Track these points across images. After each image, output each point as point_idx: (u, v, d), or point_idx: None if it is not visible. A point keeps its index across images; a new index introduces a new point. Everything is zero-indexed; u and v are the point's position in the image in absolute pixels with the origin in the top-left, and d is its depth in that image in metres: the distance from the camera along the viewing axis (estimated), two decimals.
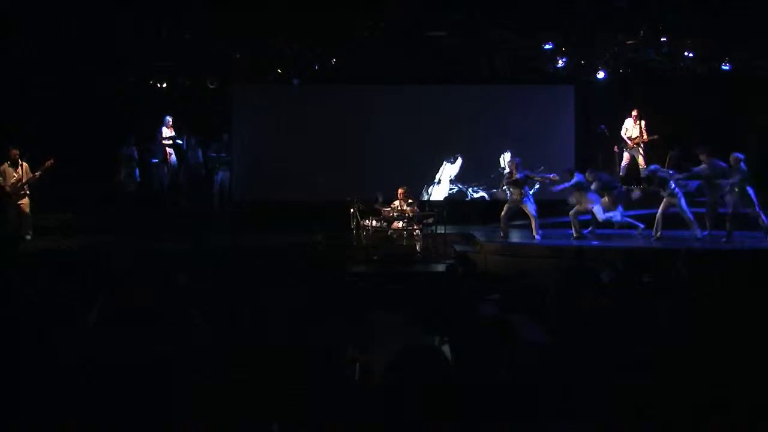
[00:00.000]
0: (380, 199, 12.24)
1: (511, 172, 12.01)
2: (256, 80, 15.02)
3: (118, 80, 14.54)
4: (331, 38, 13.84)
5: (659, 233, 11.42)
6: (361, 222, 11.98)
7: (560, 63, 14.17)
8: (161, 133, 14.96)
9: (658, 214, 11.49)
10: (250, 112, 15.32)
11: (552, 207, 12.97)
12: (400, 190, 12.24)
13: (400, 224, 11.95)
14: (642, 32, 13.21)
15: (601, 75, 14.50)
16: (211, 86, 14.60)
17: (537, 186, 12.98)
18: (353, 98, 15.28)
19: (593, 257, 9.32)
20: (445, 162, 15.12)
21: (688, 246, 10.68)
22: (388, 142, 14.88)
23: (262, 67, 14.49)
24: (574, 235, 11.79)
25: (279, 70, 14.58)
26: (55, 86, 14.27)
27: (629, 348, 4.15)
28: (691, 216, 11.40)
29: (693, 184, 11.69)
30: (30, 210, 11.96)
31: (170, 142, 15.01)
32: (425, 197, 14.89)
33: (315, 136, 14.97)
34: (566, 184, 11.70)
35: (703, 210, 11.78)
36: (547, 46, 13.83)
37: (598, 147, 15.08)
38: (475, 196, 15.10)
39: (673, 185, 11.37)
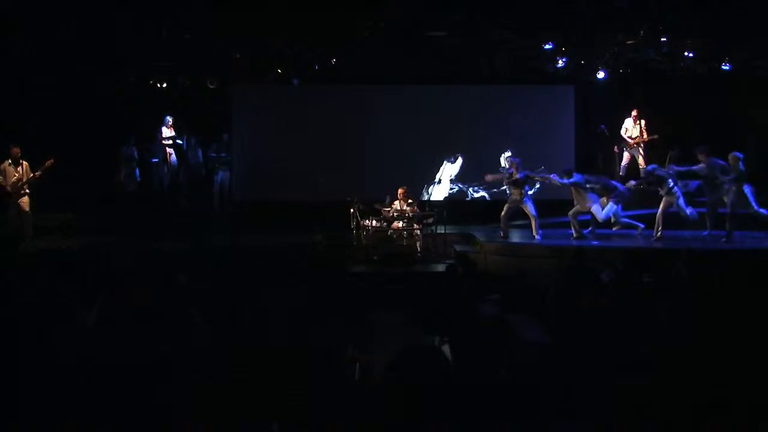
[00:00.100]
0: (388, 200, 12.19)
1: (511, 173, 12.00)
2: (256, 80, 15.02)
3: (118, 80, 14.53)
4: (331, 38, 13.84)
5: (659, 233, 11.42)
6: (361, 222, 11.98)
7: (560, 63, 14.17)
8: (161, 133, 14.95)
9: (658, 214, 11.49)
10: (250, 112, 15.31)
11: (552, 207, 12.97)
12: (400, 190, 12.24)
13: (400, 224, 11.95)
14: (642, 32, 13.21)
15: (601, 75, 14.50)
16: (211, 86, 14.59)
17: (537, 185, 12.97)
18: (353, 98, 15.28)
19: (593, 257, 9.31)
20: (445, 162, 15.12)
21: (688, 246, 10.68)
22: (388, 142, 14.88)
23: (262, 67, 14.49)
24: (574, 235, 11.79)
25: (279, 70, 14.58)
26: (56, 86, 14.27)
27: (629, 348, 4.15)
28: (688, 212, 11.40)
29: (693, 184, 11.69)
30: (30, 209, 11.95)
31: (170, 142, 15.01)
32: (425, 197, 14.88)
33: (315, 136, 14.96)
34: (566, 181, 11.69)
35: (703, 210, 11.79)
36: (547, 46, 13.83)
37: (598, 147, 15.09)
38: (476, 195, 15.09)
39: (671, 183, 11.37)
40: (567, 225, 12.11)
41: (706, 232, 11.61)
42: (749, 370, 3.70)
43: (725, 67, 13.98)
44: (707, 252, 10.49)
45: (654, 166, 11.85)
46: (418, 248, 11.91)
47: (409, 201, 12.21)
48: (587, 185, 11.77)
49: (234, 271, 7.30)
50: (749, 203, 11.23)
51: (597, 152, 15.12)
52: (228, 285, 6.51)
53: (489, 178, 12.79)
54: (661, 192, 11.47)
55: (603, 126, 14.83)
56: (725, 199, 11.25)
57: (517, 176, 11.83)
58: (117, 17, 12.70)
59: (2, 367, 3.72)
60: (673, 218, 11.60)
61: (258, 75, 14.73)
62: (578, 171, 12.22)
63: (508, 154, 12.67)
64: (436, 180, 15.15)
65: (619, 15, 12.84)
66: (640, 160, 14.45)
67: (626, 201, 12.17)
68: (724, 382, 3.55)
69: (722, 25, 12.89)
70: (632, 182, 12.23)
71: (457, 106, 15.05)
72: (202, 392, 3.47)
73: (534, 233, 11.82)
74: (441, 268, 10.62)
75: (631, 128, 14.51)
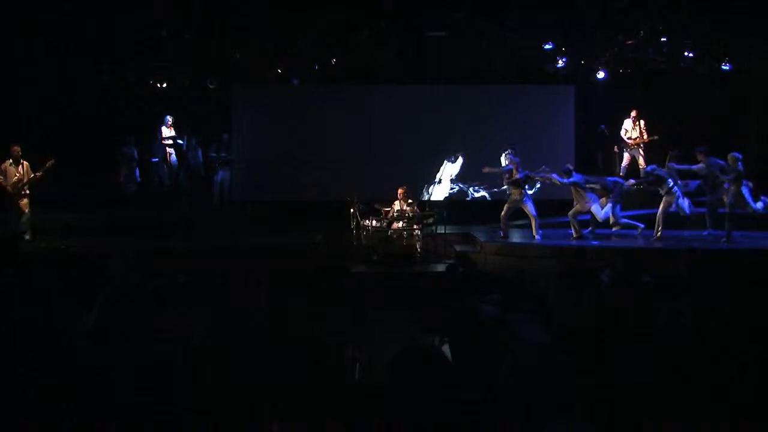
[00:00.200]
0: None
1: (510, 170, 12.00)
2: (256, 80, 15.02)
3: (118, 80, 14.53)
4: (331, 38, 13.84)
5: (659, 233, 11.42)
6: (361, 222, 11.98)
7: (560, 63, 14.17)
8: (161, 132, 14.96)
9: (658, 214, 11.49)
10: (250, 112, 15.30)
11: (552, 207, 12.96)
12: (400, 190, 12.24)
13: (400, 224, 11.95)
14: (642, 32, 13.21)
15: (601, 75, 14.50)
16: (211, 86, 14.59)
17: (538, 185, 12.97)
18: (353, 98, 15.27)
19: (593, 257, 9.30)
20: (445, 161, 15.11)
21: (688, 246, 10.68)
22: (388, 142, 14.88)
23: (262, 67, 14.49)
24: (574, 235, 11.78)
25: (279, 70, 14.58)
26: (56, 86, 14.27)
27: (629, 348, 4.15)
28: (689, 212, 11.40)
29: (693, 184, 11.69)
30: (29, 210, 11.94)
31: (170, 141, 15.01)
32: (426, 197, 14.88)
33: (315, 136, 14.96)
34: (566, 180, 11.68)
35: (703, 210, 11.79)
36: (547, 46, 13.83)
37: (598, 147, 15.09)
38: (476, 195, 15.09)
39: (671, 183, 11.37)
40: (567, 225, 12.11)
41: (706, 232, 11.61)
42: (749, 370, 3.70)
43: (725, 67, 13.97)
44: (707, 252, 10.49)
45: (653, 166, 11.86)
46: (418, 248, 11.91)
47: (409, 201, 12.21)
48: (587, 185, 11.77)
49: (233, 271, 7.29)
50: (747, 203, 11.24)
51: (597, 152, 15.12)
52: (227, 285, 6.51)
53: (486, 170, 12.80)
54: (662, 192, 11.47)
55: (603, 126, 14.83)
56: (725, 198, 11.25)
57: (517, 176, 11.83)
58: (117, 17, 12.69)
59: (2, 367, 3.72)
60: (673, 218, 11.60)
61: (258, 75, 14.73)
62: (578, 171, 12.21)
63: (508, 152, 12.66)
64: (437, 180, 15.14)
65: (619, 15, 12.84)
66: (641, 161, 14.45)
67: (624, 196, 12.17)
68: (724, 382, 3.55)
69: (722, 25, 12.89)
70: (632, 181, 12.23)
71: (457, 106, 15.04)
72: (202, 392, 3.47)
73: (534, 233, 11.82)
74: (441, 268, 10.62)
75: (630, 129, 14.51)
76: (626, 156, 14.63)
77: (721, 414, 3.33)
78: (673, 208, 11.42)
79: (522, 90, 15.28)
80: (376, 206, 12.15)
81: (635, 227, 11.78)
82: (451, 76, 14.93)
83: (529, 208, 11.83)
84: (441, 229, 12.34)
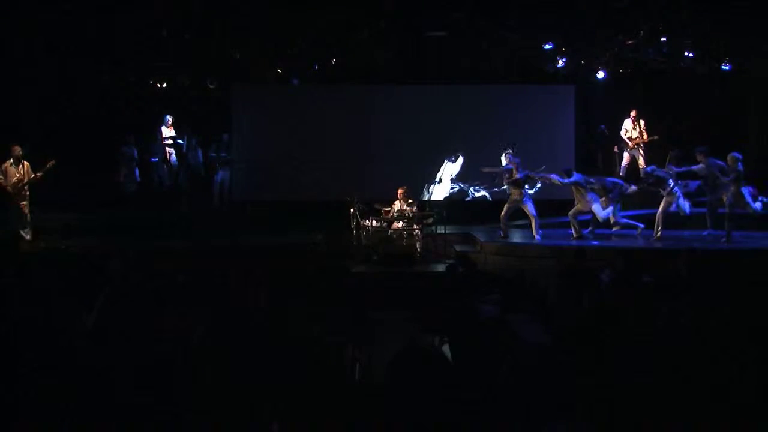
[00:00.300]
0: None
1: (510, 169, 12.00)
2: (256, 80, 15.02)
3: (118, 80, 14.53)
4: (331, 38, 13.84)
5: (659, 233, 11.42)
6: (361, 222, 11.98)
7: (560, 63, 14.17)
8: (161, 132, 14.96)
9: (658, 214, 11.49)
10: (250, 112, 15.30)
11: (552, 207, 12.96)
12: (400, 190, 12.24)
13: (400, 224, 11.94)
14: (642, 32, 13.20)
15: (601, 75, 14.50)
16: (211, 86, 14.59)
17: (538, 185, 12.97)
18: (353, 98, 15.27)
19: (593, 257, 9.30)
20: (446, 161, 15.12)
21: (688, 246, 10.68)
22: (388, 142, 14.88)
23: (262, 67, 14.49)
24: (574, 235, 11.79)
25: (279, 70, 14.58)
26: (56, 86, 14.27)
27: (628, 348, 4.15)
28: (689, 212, 11.40)
29: (693, 184, 11.69)
30: (29, 210, 11.94)
31: (170, 141, 15.01)
32: (426, 196, 14.89)
33: (315, 136, 14.96)
34: (566, 180, 11.68)
35: (703, 210, 11.79)
36: (547, 46, 13.83)
37: (598, 147, 15.09)
38: (477, 195, 15.09)
39: (671, 184, 11.37)
40: (567, 225, 12.11)
41: (706, 232, 11.61)
42: (749, 370, 3.70)
43: (725, 67, 13.97)
44: (707, 252, 10.50)
45: (653, 167, 11.85)
46: (418, 248, 11.91)
47: (409, 201, 12.21)
48: (587, 185, 11.77)
49: (233, 271, 7.29)
50: (747, 203, 11.24)
51: (597, 152, 15.12)
52: (227, 285, 6.51)
53: (486, 169, 12.81)
54: (662, 192, 11.46)
55: (603, 126, 14.83)
56: (725, 198, 11.26)
57: (517, 176, 11.83)
58: (117, 17, 12.69)
59: (2, 367, 3.72)
60: (673, 218, 11.60)
61: (258, 75, 14.73)
62: (578, 171, 12.22)
63: (508, 152, 12.65)
64: (437, 179, 15.15)
65: (619, 15, 12.83)
66: (641, 161, 14.45)
67: (624, 196, 12.17)
68: (724, 382, 3.55)
69: (722, 25, 12.89)
70: (633, 188, 12.17)
71: (457, 106, 15.04)
72: (202, 392, 3.47)
73: (534, 233, 11.82)
74: (441, 268, 10.62)
75: (630, 129, 14.51)
76: (626, 156, 14.63)
77: (721, 414, 3.33)
78: (673, 208, 11.42)
79: (522, 90, 15.28)
80: (376, 206, 12.15)
81: (635, 227, 11.79)
82: (451, 76, 14.93)
83: (529, 208, 11.84)
84: (441, 229, 12.34)
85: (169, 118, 14.97)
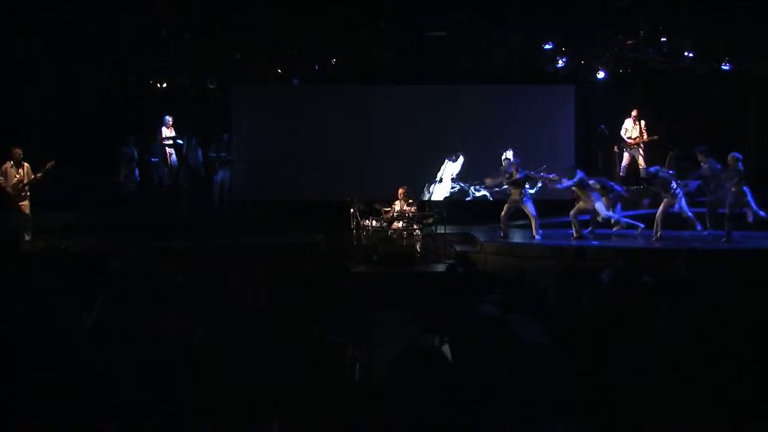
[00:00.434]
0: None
1: (511, 172, 12.01)
2: (256, 80, 15.02)
3: (118, 80, 14.53)
4: (331, 38, 13.84)
5: (659, 233, 11.42)
6: (361, 222, 11.98)
7: (560, 63, 14.17)
8: (161, 133, 14.96)
9: (658, 214, 11.49)
10: (250, 112, 15.31)
11: (552, 207, 12.96)
12: (400, 190, 12.24)
13: (400, 224, 11.94)
14: (642, 32, 13.20)
15: (601, 75, 14.49)
16: (211, 86, 14.59)
17: (539, 184, 12.97)
18: (353, 98, 15.27)
19: (593, 257, 9.30)
20: (446, 160, 15.12)
21: (688, 246, 10.68)
22: (388, 142, 14.88)
23: (262, 67, 14.49)
24: (574, 235, 11.78)
25: (279, 70, 14.58)
26: (56, 86, 14.27)
27: (628, 348, 4.15)
28: (691, 215, 11.40)
29: (693, 184, 11.70)
30: (30, 211, 11.94)
31: (170, 142, 15.01)
32: (427, 196, 14.90)
33: (315, 136, 14.96)
34: (570, 182, 11.66)
35: (703, 210, 11.79)
36: (547, 46, 13.83)
37: (598, 147, 15.09)
38: (477, 194, 15.10)
39: (674, 185, 11.36)
40: (567, 225, 12.11)
41: (706, 232, 11.61)
42: (749, 370, 3.70)
43: (725, 67, 13.97)
44: (707, 252, 10.50)
45: (657, 167, 11.81)
46: (418, 248, 11.91)
47: (409, 201, 12.21)
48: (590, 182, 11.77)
49: (233, 271, 7.29)
50: (749, 203, 11.24)
51: (597, 152, 15.12)
52: (227, 285, 6.51)
53: (488, 182, 12.81)
54: (664, 194, 11.42)
55: (603, 126, 14.83)
56: (725, 199, 11.26)
57: (517, 176, 11.83)
58: (117, 17, 12.69)
59: (2, 367, 3.72)
60: (673, 218, 11.60)
61: (258, 75, 14.73)
62: (580, 169, 12.16)
63: (509, 153, 12.65)
64: (437, 179, 15.15)
65: (619, 15, 12.83)
66: (641, 161, 14.46)
67: (624, 196, 12.16)
68: (724, 382, 3.55)
69: (722, 25, 12.88)
70: (645, 201, 12.09)
71: (457, 106, 15.04)
72: (202, 392, 3.47)
73: (534, 233, 11.82)
74: (441, 268, 10.62)
75: (630, 128, 14.51)
76: (626, 156, 14.64)
77: (721, 414, 3.33)
78: (676, 208, 11.41)
79: (522, 90, 15.28)
80: (376, 206, 12.15)
81: (635, 227, 11.79)
82: (451, 76, 14.93)
83: (529, 208, 11.84)
84: (441, 229, 12.34)
85: (169, 119, 14.97)
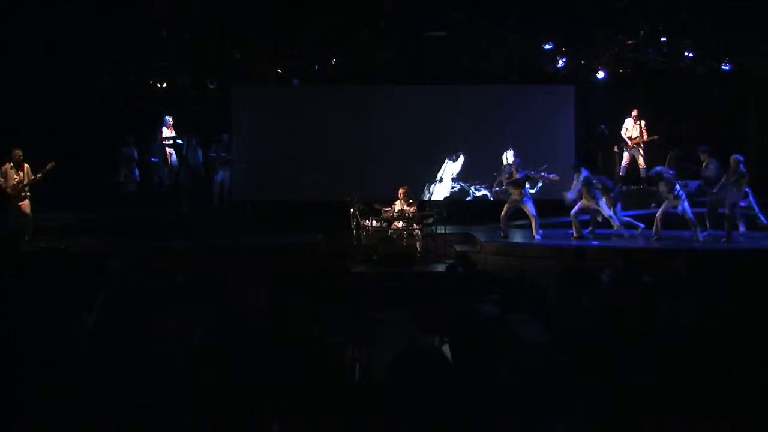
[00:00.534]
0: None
1: (511, 172, 12.01)
2: (256, 80, 15.02)
3: (118, 80, 14.53)
4: (331, 38, 13.84)
5: (659, 233, 11.41)
6: (361, 222, 11.98)
7: (560, 63, 14.17)
8: (161, 133, 14.96)
9: (658, 215, 11.49)
10: (250, 112, 15.30)
11: (552, 207, 12.96)
12: (400, 190, 12.24)
13: (400, 224, 11.94)
14: (642, 32, 13.20)
15: (601, 75, 14.50)
16: (211, 86, 14.59)
17: (540, 184, 12.96)
18: (353, 98, 15.27)
19: (593, 257, 9.30)
20: (447, 160, 15.12)
21: (688, 246, 10.68)
22: (388, 142, 14.88)
23: (262, 67, 14.49)
24: (574, 235, 11.78)
25: (279, 70, 14.58)
26: (56, 86, 14.27)
27: (628, 348, 4.15)
28: (693, 218, 11.38)
29: (693, 184, 11.69)
30: (30, 211, 11.94)
31: (170, 142, 15.01)
32: (427, 195, 14.90)
33: (315, 136, 14.96)
34: (579, 183, 11.62)
35: (703, 210, 11.79)
36: (547, 46, 13.83)
37: (598, 147, 15.09)
38: (478, 194, 15.10)
39: (678, 187, 11.35)
40: (567, 225, 12.11)
41: (706, 232, 11.61)
42: (749, 370, 3.70)
43: (725, 67, 13.97)
44: (707, 252, 10.50)
45: (661, 167, 11.77)
46: (418, 248, 11.91)
47: (410, 201, 12.21)
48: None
49: (233, 271, 7.30)
50: (751, 205, 11.25)
51: (597, 152, 15.11)
52: (227, 285, 6.51)
53: (496, 189, 12.79)
54: (668, 195, 11.39)
55: (603, 126, 14.83)
56: (725, 200, 11.26)
57: (517, 176, 11.84)
58: (117, 17, 12.69)
59: (2, 367, 3.72)
60: (673, 218, 11.60)
61: (258, 75, 14.73)
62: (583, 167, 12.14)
63: (510, 152, 12.65)
64: (438, 178, 15.15)
65: (619, 15, 12.83)
66: (641, 161, 14.46)
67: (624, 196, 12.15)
68: (724, 381, 3.55)
69: (722, 25, 12.88)
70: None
71: (457, 106, 15.04)
72: (202, 392, 3.47)
73: (534, 233, 11.82)
74: (441, 268, 10.62)
75: (631, 128, 14.51)
76: (626, 156, 14.63)
77: (721, 414, 3.33)
78: (678, 209, 11.40)
79: (522, 90, 15.28)
80: (376, 206, 12.14)
81: (635, 227, 11.79)
82: (451, 76, 14.93)
83: (529, 208, 11.84)
84: (441, 229, 12.34)
85: (169, 119, 14.96)
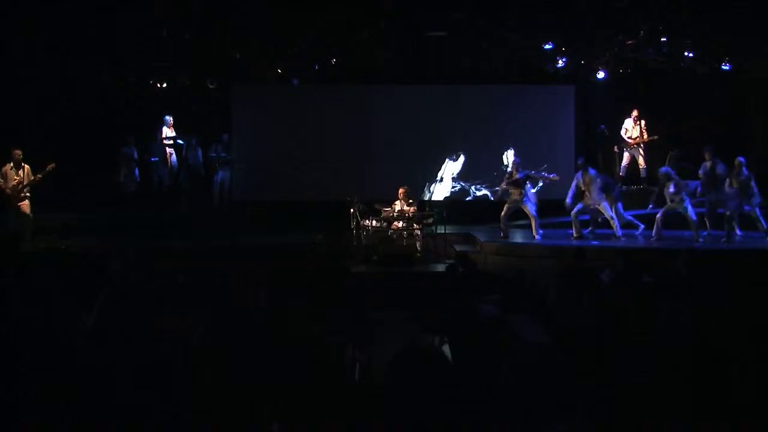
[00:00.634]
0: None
1: (511, 172, 12.02)
2: (256, 80, 15.02)
3: (118, 80, 14.53)
4: (331, 38, 13.83)
5: (659, 233, 11.41)
6: (361, 222, 11.98)
7: (560, 63, 14.17)
8: (161, 133, 14.95)
9: (659, 215, 11.49)
10: (250, 112, 15.30)
11: (552, 207, 12.96)
12: (400, 190, 12.23)
13: (400, 224, 11.94)
14: (642, 32, 13.20)
15: (601, 75, 14.49)
16: (211, 86, 14.59)
17: (540, 184, 12.96)
18: (353, 98, 15.27)
19: (593, 257, 9.30)
20: (447, 160, 15.12)
21: (688, 246, 10.68)
22: (388, 142, 14.88)
23: (262, 67, 14.48)
24: (574, 235, 11.79)
25: (279, 70, 14.58)
26: (56, 86, 14.27)
27: (628, 348, 4.15)
28: (695, 218, 11.36)
29: (693, 184, 11.69)
30: (30, 212, 11.94)
31: (170, 142, 15.00)
32: (427, 195, 14.89)
33: (315, 136, 14.96)
34: (597, 187, 11.57)
35: (703, 210, 11.79)
36: (547, 46, 13.82)
37: (598, 147, 15.08)
38: (478, 194, 15.10)
39: (681, 189, 11.33)
40: (567, 225, 12.11)
41: (705, 232, 11.61)
42: (749, 370, 3.70)
43: (725, 67, 13.97)
44: (707, 252, 10.50)
45: (667, 168, 11.74)
46: (418, 248, 11.91)
47: (410, 201, 12.21)
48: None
49: (233, 271, 7.29)
50: (752, 205, 11.24)
51: (597, 152, 15.11)
52: (227, 285, 6.51)
53: (499, 191, 12.78)
54: (674, 197, 11.35)
55: (603, 126, 14.83)
56: (725, 200, 11.26)
57: (517, 176, 11.83)
58: (117, 17, 12.69)
59: (2, 367, 3.72)
60: (673, 218, 11.60)
61: (258, 75, 14.73)
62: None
63: (510, 152, 12.65)
64: (438, 178, 15.15)
65: (619, 15, 12.83)
66: (641, 161, 14.46)
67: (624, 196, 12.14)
68: (724, 381, 3.55)
69: (722, 25, 12.88)
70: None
71: (457, 106, 15.03)
72: (202, 392, 3.47)
73: (534, 233, 11.82)
74: (441, 268, 10.61)
75: (631, 128, 14.51)
76: (626, 156, 14.63)
77: (721, 414, 3.33)
78: (680, 210, 11.39)
79: (522, 90, 15.27)
80: (376, 206, 12.15)
81: (636, 226, 11.80)
82: (451, 76, 14.93)
83: (529, 208, 11.84)
84: (441, 229, 12.34)
85: (169, 119, 14.95)
